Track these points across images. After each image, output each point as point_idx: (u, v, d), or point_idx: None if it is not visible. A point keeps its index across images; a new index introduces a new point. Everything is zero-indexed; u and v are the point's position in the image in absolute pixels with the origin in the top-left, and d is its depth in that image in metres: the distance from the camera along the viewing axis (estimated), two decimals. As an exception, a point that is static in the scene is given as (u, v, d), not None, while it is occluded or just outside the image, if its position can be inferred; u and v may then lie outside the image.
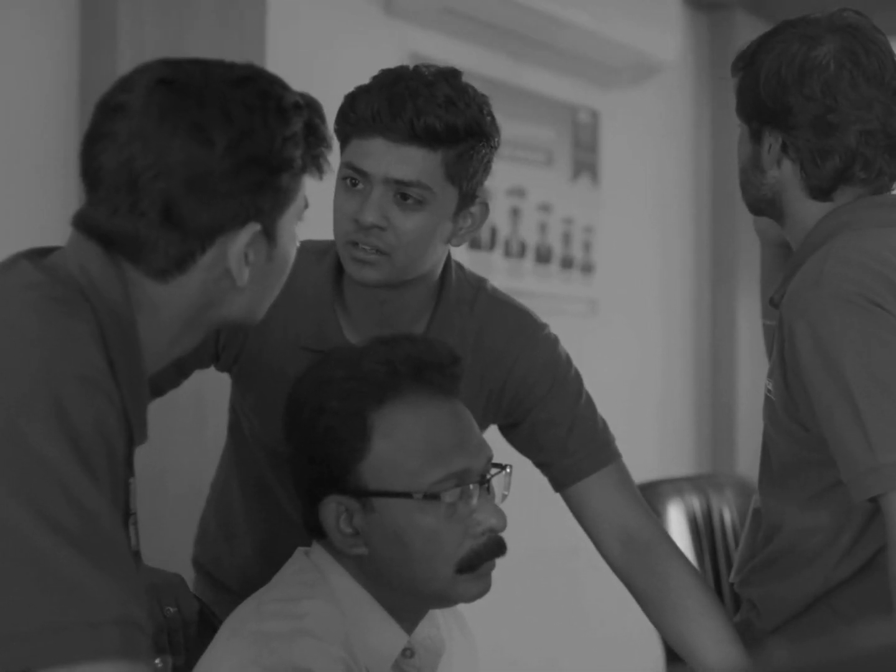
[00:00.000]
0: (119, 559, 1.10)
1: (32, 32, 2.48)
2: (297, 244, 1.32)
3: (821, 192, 1.75)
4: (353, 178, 1.62)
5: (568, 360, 1.84)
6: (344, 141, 1.64)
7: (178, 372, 1.77)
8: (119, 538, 1.12)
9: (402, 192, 1.60)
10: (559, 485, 1.84)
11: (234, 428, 1.91)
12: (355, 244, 1.61)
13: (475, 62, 3.53)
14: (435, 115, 1.61)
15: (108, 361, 1.16)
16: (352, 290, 1.72)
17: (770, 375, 1.75)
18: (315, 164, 1.27)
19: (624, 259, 4.08)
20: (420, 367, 1.43)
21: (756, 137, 1.76)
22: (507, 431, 1.85)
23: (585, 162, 3.95)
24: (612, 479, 1.81)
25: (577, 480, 1.81)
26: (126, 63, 2.45)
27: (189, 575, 1.95)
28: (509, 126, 3.67)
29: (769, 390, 1.75)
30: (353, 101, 1.63)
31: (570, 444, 1.80)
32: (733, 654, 1.74)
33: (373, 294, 1.68)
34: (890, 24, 4.32)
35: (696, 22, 4.40)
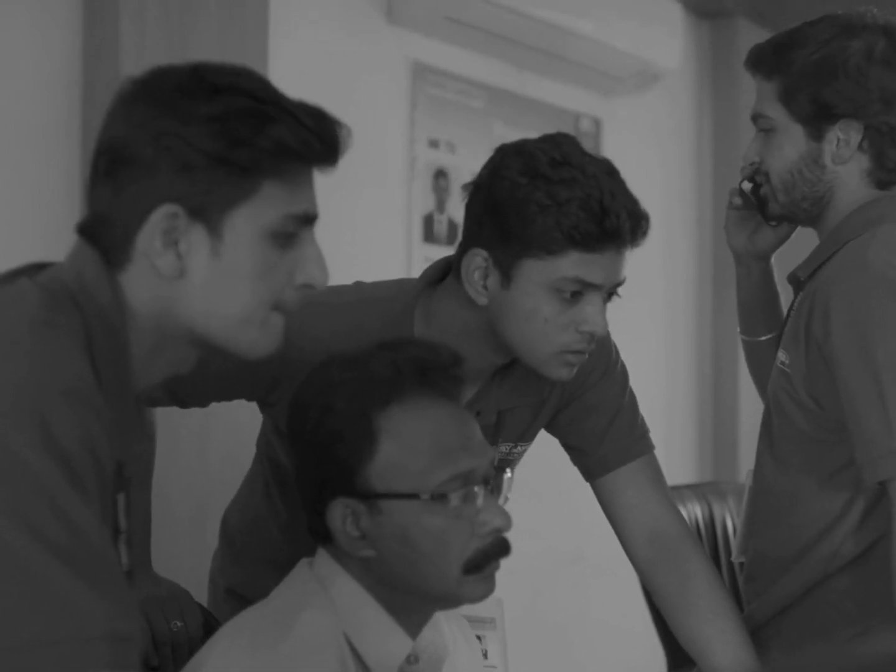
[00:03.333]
0: (108, 573, 1.09)
1: (35, 36, 2.49)
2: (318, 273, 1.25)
3: (888, 182, 1.78)
4: (577, 291, 1.60)
5: (617, 352, 1.87)
6: (556, 252, 1.58)
7: (215, 395, 1.74)
8: (108, 551, 1.11)
9: (614, 292, 1.65)
10: (591, 475, 1.85)
11: (271, 462, 1.88)
12: (575, 352, 1.63)
13: (477, 70, 3.54)
14: (645, 218, 1.63)
15: (95, 373, 1.15)
16: (437, 328, 1.71)
17: (784, 348, 1.77)
18: (276, 167, 1.20)
19: (626, 267, 4.08)
20: (424, 369, 1.43)
21: (817, 135, 1.76)
22: (551, 419, 1.86)
23: (587, 169, 3.95)
24: (644, 471, 1.84)
25: (611, 470, 1.83)
26: (129, 68, 2.45)
27: (193, 591, 1.95)
28: (512, 134, 3.67)
29: (783, 362, 1.76)
30: (601, 220, 1.57)
31: (609, 433, 1.82)
32: (745, 659, 1.74)
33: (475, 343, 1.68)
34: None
35: (699, 30, 4.41)
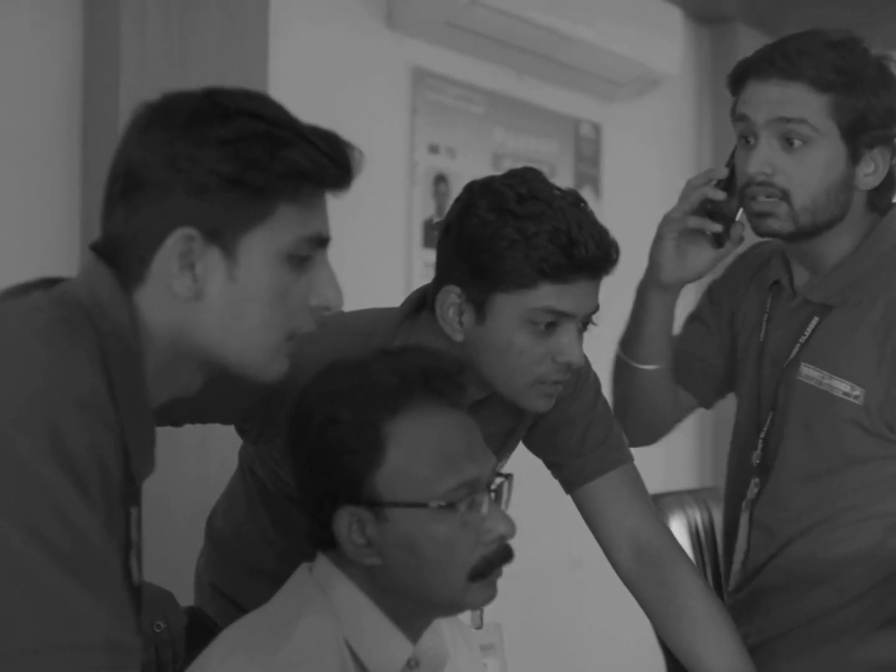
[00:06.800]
0: (109, 580, 1.09)
1: (36, 36, 2.50)
2: (334, 295, 1.28)
3: (882, 206, 1.81)
4: (551, 322, 1.61)
5: (588, 363, 1.86)
6: (527, 285, 1.59)
7: (191, 417, 1.73)
8: (110, 559, 1.11)
9: (589, 321, 1.67)
10: (570, 485, 1.84)
11: (252, 475, 1.89)
12: (552, 383, 1.64)
13: (478, 75, 3.54)
14: (614, 247, 1.65)
15: (108, 386, 1.15)
16: None
17: (846, 377, 1.78)
18: (290, 190, 1.21)
19: (626, 272, 4.07)
20: (429, 377, 1.43)
21: (857, 157, 1.75)
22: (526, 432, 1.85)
23: (588, 175, 3.96)
24: (624, 482, 1.82)
25: (590, 480, 1.81)
26: (129, 69, 2.46)
27: (190, 594, 1.94)
28: (512, 139, 3.67)
29: (847, 393, 1.77)
30: (569, 251, 1.58)
31: (585, 444, 1.81)
32: (740, 666, 1.74)
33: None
34: (890, 38, 4.31)
35: (698, 35, 4.41)
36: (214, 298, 1.21)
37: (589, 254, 1.59)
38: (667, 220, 1.89)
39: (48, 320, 1.16)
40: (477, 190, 1.64)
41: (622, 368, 2.01)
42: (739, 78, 1.79)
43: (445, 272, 1.65)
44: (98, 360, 1.16)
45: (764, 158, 1.75)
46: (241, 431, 1.77)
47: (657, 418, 2.04)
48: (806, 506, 1.83)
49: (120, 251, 1.21)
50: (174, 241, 1.18)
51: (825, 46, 1.74)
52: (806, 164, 1.74)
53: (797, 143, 1.73)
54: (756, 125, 1.75)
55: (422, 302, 1.72)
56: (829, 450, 1.80)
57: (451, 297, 1.63)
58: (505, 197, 1.60)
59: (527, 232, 1.57)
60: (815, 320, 1.83)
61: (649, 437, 2.05)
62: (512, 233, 1.57)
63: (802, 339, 1.84)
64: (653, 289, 1.94)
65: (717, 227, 1.85)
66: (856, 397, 1.76)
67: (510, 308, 1.60)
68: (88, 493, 1.08)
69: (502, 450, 1.82)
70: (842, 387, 1.78)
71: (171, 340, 1.23)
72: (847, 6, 3.84)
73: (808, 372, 1.81)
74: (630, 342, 1.99)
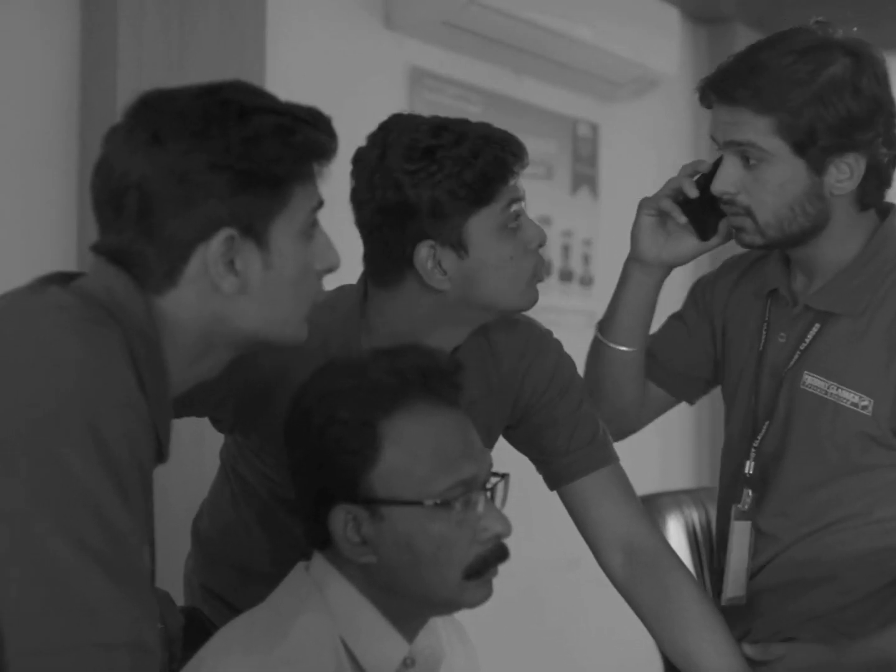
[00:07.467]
0: (140, 582, 1.11)
1: (34, 36, 2.50)
2: (329, 257, 1.32)
3: (874, 204, 1.79)
4: (515, 220, 1.66)
5: (572, 364, 1.87)
6: (493, 196, 1.63)
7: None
8: (142, 562, 1.13)
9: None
10: (557, 482, 1.84)
11: (235, 474, 1.89)
12: (538, 273, 1.70)
13: (475, 75, 3.54)
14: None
15: (138, 380, 1.17)
16: (382, 336, 1.70)
17: (855, 388, 1.77)
18: (302, 172, 1.26)
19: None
20: (426, 376, 1.44)
21: (819, 168, 1.73)
22: (508, 431, 1.86)
23: (585, 175, 3.96)
24: (611, 481, 1.82)
25: (576, 478, 1.81)
26: (127, 72, 2.46)
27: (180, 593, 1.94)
28: (509, 139, 3.68)
29: (855, 404, 1.77)
30: (508, 149, 1.63)
31: (572, 443, 1.81)
32: (737, 668, 1.74)
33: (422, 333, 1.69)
34: (890, 39, 4.31)
35: (696, 35, 4.41)
36: (256, 288, 1.25)
37: (516, 144, 1.64)
38: (646, 199, 1.96)
39: (77, 319, 1.17)
40: (378, 149, 1.62)
41: (596, 349, 2.02)
42: (702, 97, 1.83)
43: (402, 238, 1.63)
44: (127, 355, 1.17)
45: (728, 178, 1.78)
46: (215, 422, 1.78)
47: (623, 406, 2.01)
48: (809, 514, 1.83)
49: (136, 263, 1.23)
50: (217, 244, 1.22)
51: (785, 55, 1.74)
52: (763, 182, 1.75)
53: (753, 161, 1.76)
54: (720, 145, 1.80)
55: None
56: (834, 459, 1.80)
57: (423, 252, 1.63)
58: (416, 139, 1.60)
59: (462, 155, 1.59)
60: (816, 327, 1.82)
61: (616, 430, 1.97)
62: (451, 164, 1.59)
63: (803, 347, 1.82)
64: (631, 262, 1.98)
65: (682, 219, 1.90)
66: (864, 408, 1.76)
67: (484, 224, 1.63)
68: (127, 493, 1.10)
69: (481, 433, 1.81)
70: (850, 397, 1.77)
71: (204, 334, 1.26)
72: (847, 6, 3.83)
73: (813, 381, 1.80)
74: (607, 321, 2.01)
